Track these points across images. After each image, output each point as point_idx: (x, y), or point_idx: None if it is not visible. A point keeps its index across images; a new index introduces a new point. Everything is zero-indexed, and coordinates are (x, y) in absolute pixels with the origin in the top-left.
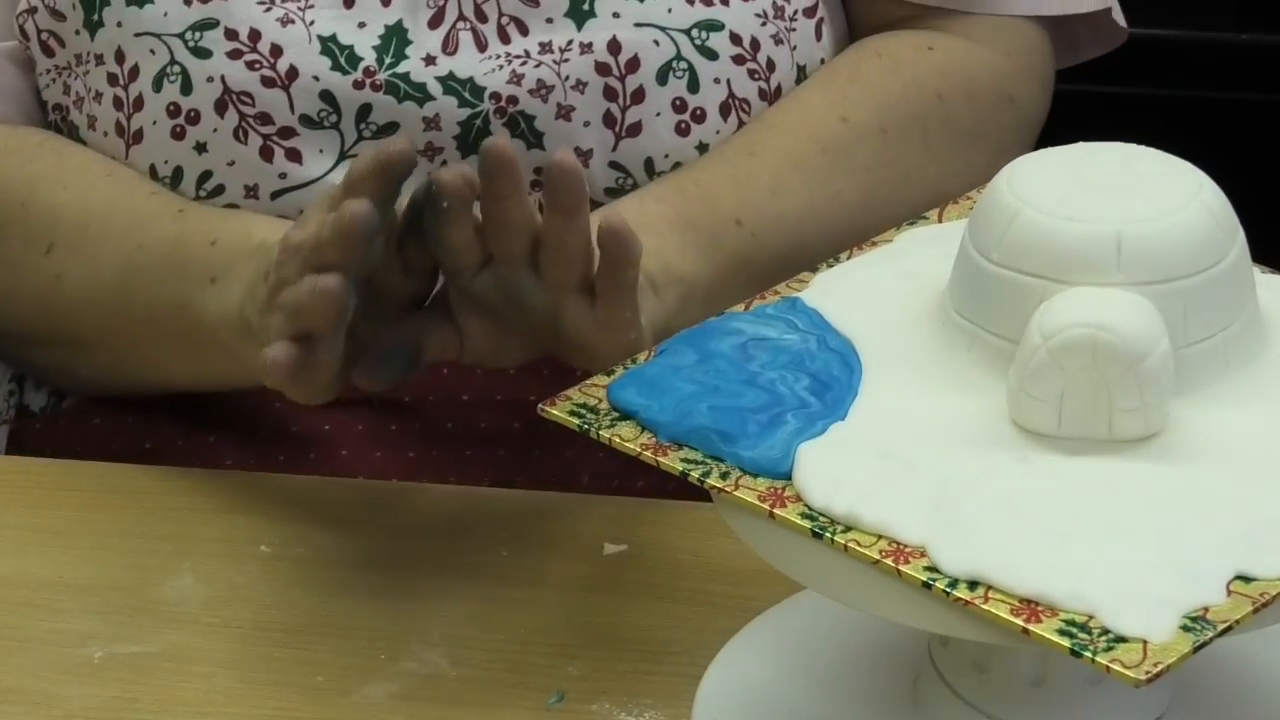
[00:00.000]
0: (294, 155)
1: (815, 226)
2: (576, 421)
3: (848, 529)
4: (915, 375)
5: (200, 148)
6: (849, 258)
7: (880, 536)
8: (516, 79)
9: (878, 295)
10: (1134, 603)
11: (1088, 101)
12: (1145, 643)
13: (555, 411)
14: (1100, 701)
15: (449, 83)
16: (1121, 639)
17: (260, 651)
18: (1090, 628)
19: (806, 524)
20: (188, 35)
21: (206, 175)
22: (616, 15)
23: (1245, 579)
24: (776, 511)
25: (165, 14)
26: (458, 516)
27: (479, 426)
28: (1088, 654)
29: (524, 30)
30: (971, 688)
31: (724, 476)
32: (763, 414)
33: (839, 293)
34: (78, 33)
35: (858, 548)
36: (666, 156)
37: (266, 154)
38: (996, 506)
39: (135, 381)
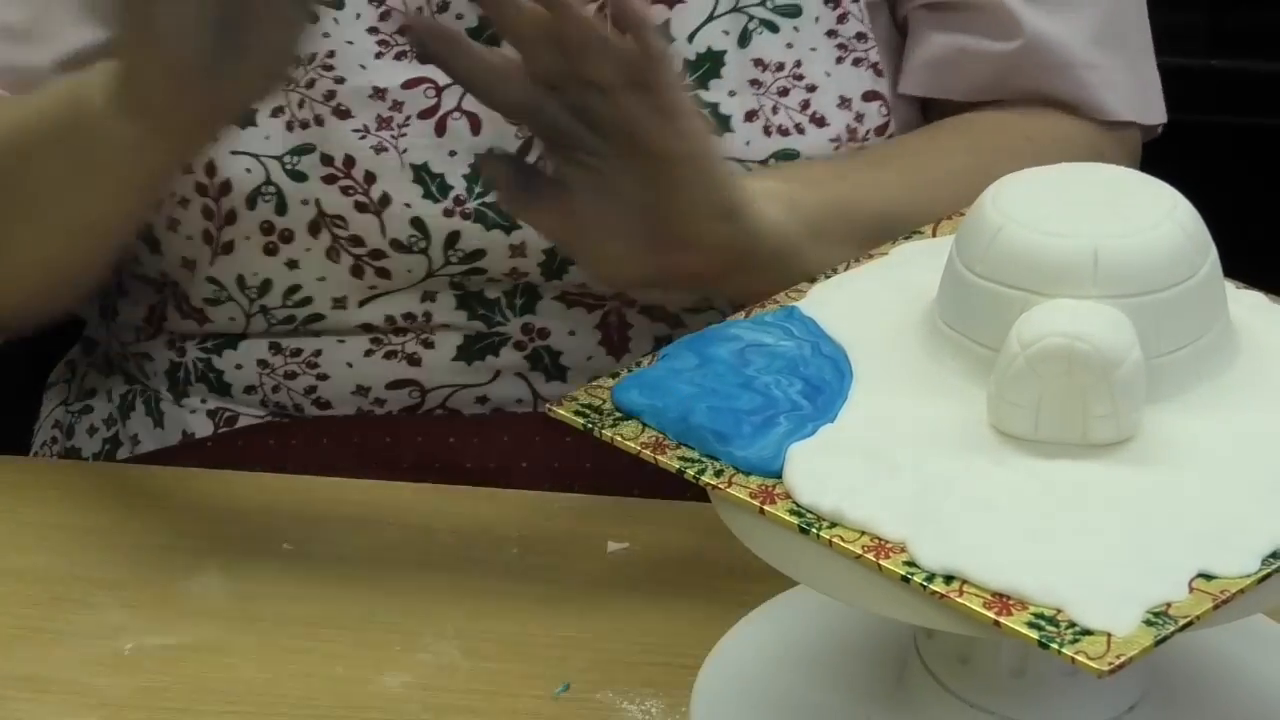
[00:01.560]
0: (383, 273)
1: (909, 198)
2: (581, 421)
3: (833, 525)
4: (902, 381)
5: (292, 264)
6: (845, 269)
7: (863, 533)
8: None
9: (871, 305)
10: (1100, 598)
11: None
12: (1109, 636)
13: (562, 412)
14: (1076, 691)
15: None
16: (1087, 632)
17: (283, 643)
18: (1058, 621)
19: (794, 520)
20: (286, 158)
21: (295, 288)
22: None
23: (1207, 577)
24: (766, 508)
25: (267, 136)
26: (470, 516)
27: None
28: (1055, 645)
29: None
30: (955, 678)
31: (718, 474)
32: (757, 415)
33: (834, 302)
34: None
35: (842, 543)
36: None
37: (357, 272)
38: (974, 505)
39: (53, 229)
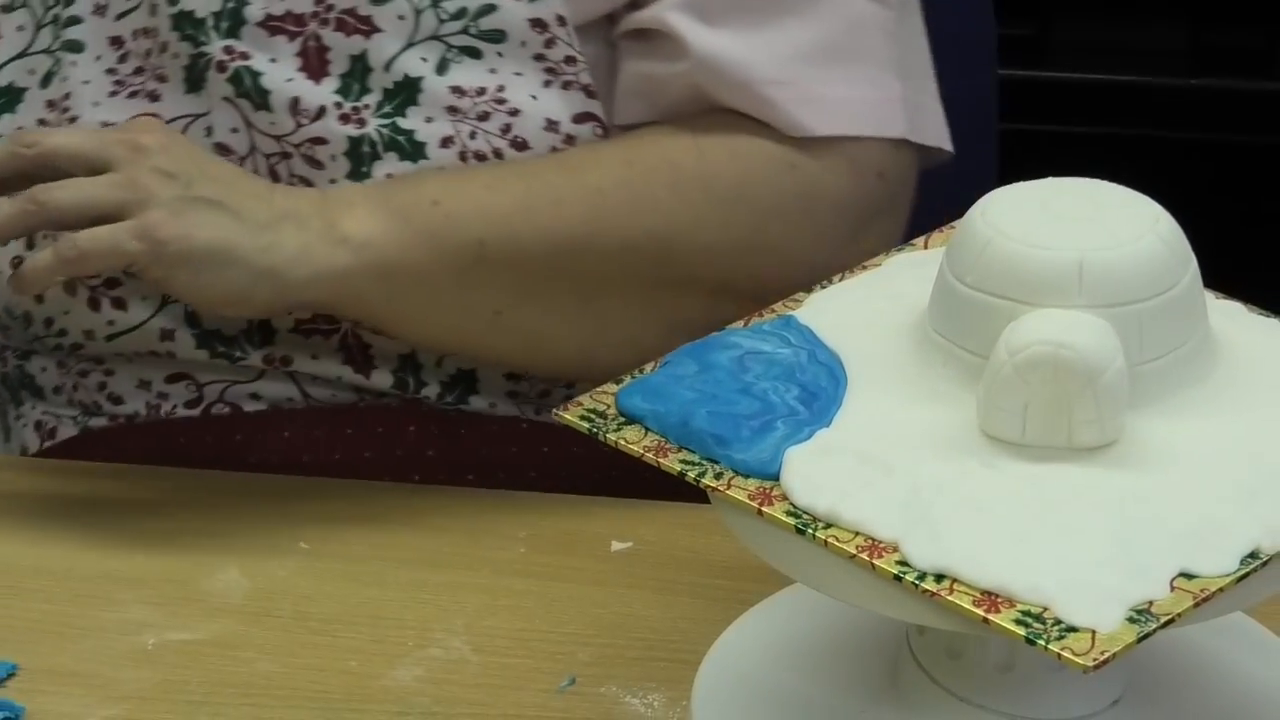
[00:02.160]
0: (119, 304)
1: (526, 225)
2: (587, 425)
3: (828, 526)
4: (895, 387)
5: (38, 298)
6: (840, 280)
7: (857, 533)
8: None
9: (865, 314)
10: (1085, 596)
11: (1055, 140)
12: (1094, 633)
13: (568, 416)
14: (1061, 686)
15: None
16: (1072, 629)
17: (299, 639)
18: (1045, 618)
19: (791, 521)
20: None
21: (50, 320)
22: (390, 177)
23: (1188, 576)
24: (764, 509)
25: None
26: (479, 516)
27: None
28: (1041, 642)
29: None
30: (946, 673)
31: (718, 477)
32: (755, 420)
33: (830, 311)
34: None
35: (836, 543)
36: None
37: (94, 305)
38: (964, 507)
39: None
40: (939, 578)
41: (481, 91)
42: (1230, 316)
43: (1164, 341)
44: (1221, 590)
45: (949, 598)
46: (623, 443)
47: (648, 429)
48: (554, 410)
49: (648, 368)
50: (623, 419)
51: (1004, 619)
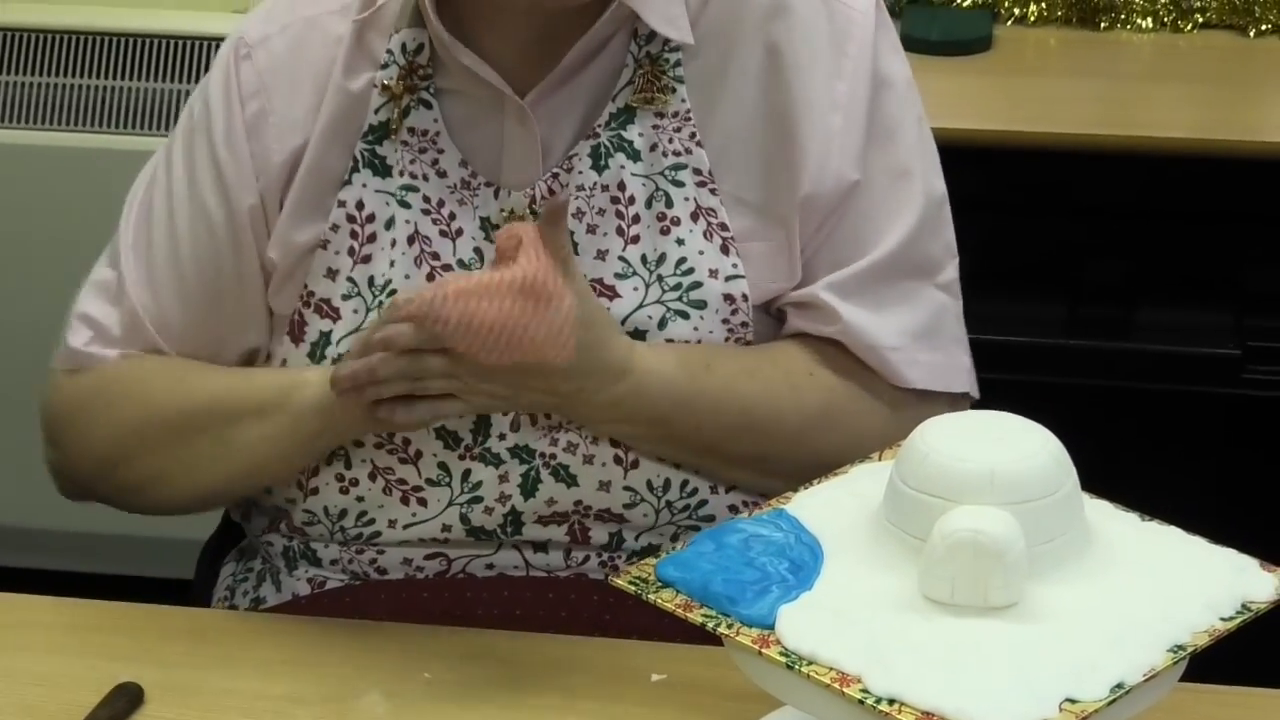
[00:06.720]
0: (421, 503)
1: (767, 405)
2: (634, 588)
3: (810, 663)
4: (859, 561)
5: (360, 499)
6: (819, 483)
7: (832, 668)
8: (554, 441)
9: (837, 507)
10: (996, 715)
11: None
12: None
13: (620, 581)
14: None
15: (515, 450)
16: None
17: None
18: None
19: (783, 659)
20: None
21: (363, 514)
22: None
23: (1072, 701)
24: (763, 650)
25: None
26: (554, 655)
27: None
28: None
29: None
30: None
31: (729, 627)
32: (756, 586)
33: (811, 505)
34: None
35: (816, 675)
36: (664, 479)
37: (404, 501)
38: (910, 649)
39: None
40: (891, 701)
41: (686, 342)
42: (1101, 511)
43: (1053, 529)
44: (1096, 711)
45: (899, 717)
46: (660, 600)
47: (678, 591)
48: (609, 578)
49: (678, 545)
50: (660, 583)
51: None
